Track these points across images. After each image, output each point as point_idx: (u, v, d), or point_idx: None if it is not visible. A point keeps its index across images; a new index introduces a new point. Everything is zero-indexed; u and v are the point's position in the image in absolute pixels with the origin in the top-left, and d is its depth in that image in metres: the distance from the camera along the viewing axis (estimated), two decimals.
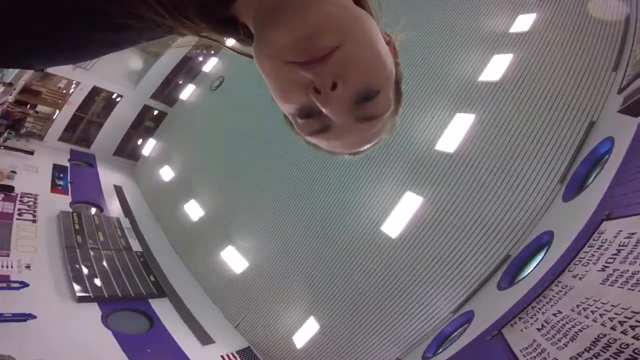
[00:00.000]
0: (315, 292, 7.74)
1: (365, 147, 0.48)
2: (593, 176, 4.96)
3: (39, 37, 0.38)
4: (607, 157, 4.71)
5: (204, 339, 7.60)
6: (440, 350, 5.51)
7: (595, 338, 2.82)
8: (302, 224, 8.64)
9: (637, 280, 2.88)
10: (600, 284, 3.22)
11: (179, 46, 0.52)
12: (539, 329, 3.58)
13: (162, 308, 7.94)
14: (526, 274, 5.08)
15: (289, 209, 9.03)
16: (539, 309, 3.83)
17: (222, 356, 7.37)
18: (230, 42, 0.53)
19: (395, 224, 7.19)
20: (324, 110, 0.38)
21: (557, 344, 3.18)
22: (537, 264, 4.86)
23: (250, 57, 0.42)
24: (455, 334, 5.58)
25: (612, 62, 5.97)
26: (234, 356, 7.52)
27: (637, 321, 2.62)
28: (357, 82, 0.38)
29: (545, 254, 4.83)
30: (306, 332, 7.42)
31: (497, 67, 7.38)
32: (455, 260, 6.31)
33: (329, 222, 8.23)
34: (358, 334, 6.88)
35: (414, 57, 8.31)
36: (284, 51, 0.36)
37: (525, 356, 3.45)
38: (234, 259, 9.12)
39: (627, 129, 4.15)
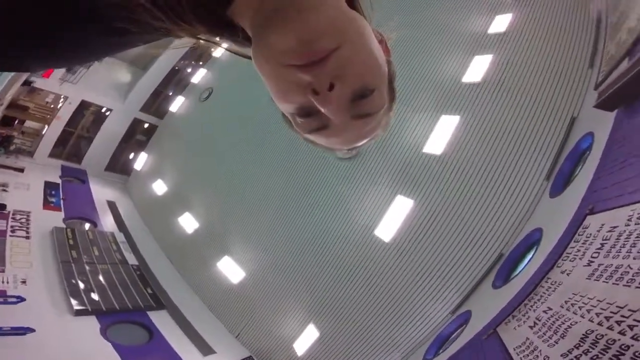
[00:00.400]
0: (313, 298, 7.73)
1: (362, 142, 0.50)
2: (577, 171, 5.05)
3: (39, 37, 0.38)
4: (588, 152, 4.82)
5: (205, 349, 7.56)
6: (441, 351, 5.49)
7: (583, 334, 2.83)
8: (297, 232, 8.64)
9: (620, 275, 2.90)
10: (587, 279, 3.24)
11: (176, 47, 0.52)
12: (531, 327, 3.59)
13: (161, 320, 7.89)
14: (519, 271, 5.13)
15: (283, 217, 9.03)
16: (531, 306, 3.84)
17: None
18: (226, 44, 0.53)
19: (388, 228, 7.21)
20: (322, 109, 0.40)
21: (548, 341, 3.19)
22: (528, 261, 4.91)
23: (248, 58, 0.43)
24: (454, 335, 5.57)
25: (587, 59, 6.10)
26: None
27: (622, 316, 2.63)
28: (354, 82, 0.39)
29: (535, 251, 4.90)
30: (307, 339, 7.40)
31: (478, 68, 7.48)
32: (450, 260, 6.34)
33: (324, 228, 8.24)
34: (359, 337, 6.88)
35: (396, 60, 8.40)
36: (284, 54, 0.36)
37: (518, 354, 3.45)
38: (231, 269, 9.09)
39: (605, 124, 4.25)
